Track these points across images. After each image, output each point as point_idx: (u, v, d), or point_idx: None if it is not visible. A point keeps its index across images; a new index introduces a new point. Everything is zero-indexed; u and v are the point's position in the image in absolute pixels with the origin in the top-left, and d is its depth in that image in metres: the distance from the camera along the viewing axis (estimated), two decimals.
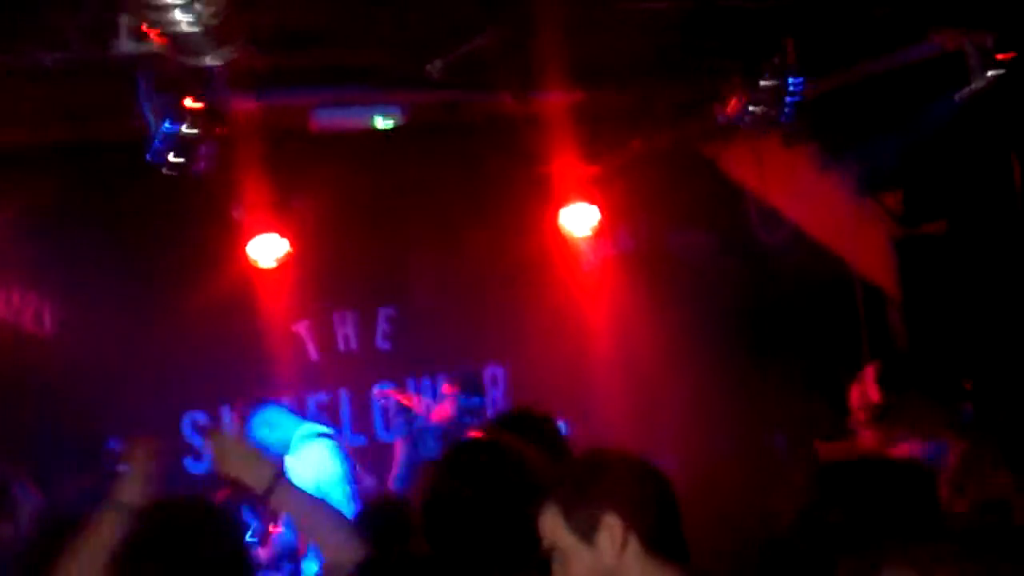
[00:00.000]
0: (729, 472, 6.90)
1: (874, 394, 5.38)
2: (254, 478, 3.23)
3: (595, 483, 2.72)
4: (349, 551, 3.19)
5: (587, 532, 2.67)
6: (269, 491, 3.21)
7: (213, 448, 3.30)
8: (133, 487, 3.42)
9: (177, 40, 3.92)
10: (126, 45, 4.40)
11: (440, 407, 6.92)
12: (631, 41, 5.26)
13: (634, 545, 2.64)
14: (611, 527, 2.64)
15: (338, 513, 3.50)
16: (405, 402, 6.94)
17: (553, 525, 2.71)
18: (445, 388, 7.05)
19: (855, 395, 5.45)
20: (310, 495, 3.37)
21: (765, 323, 8.32)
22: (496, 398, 8.40)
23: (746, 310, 8.29)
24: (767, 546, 2.96)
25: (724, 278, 8.46)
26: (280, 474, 3.24)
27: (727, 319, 8.16)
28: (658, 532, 2.67)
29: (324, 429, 6.65)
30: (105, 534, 3.34)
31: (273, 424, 6.42)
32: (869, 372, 5.47)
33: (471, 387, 7.00)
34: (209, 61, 4.02)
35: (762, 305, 8.38)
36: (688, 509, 2.78)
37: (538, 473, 3.12)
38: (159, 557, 3.17)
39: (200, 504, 3.47)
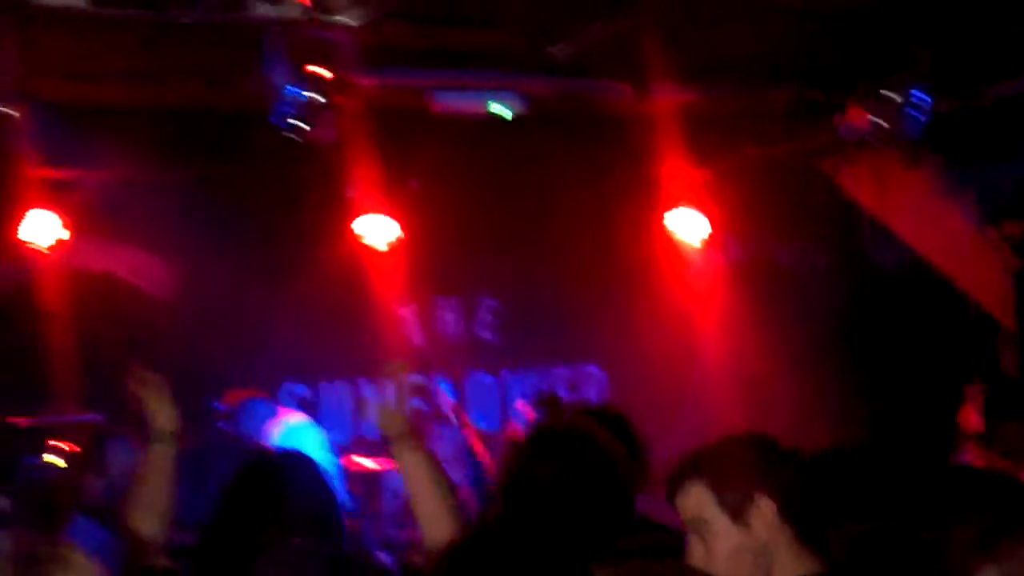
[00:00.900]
0: None
1: (976, 420, 5.30)
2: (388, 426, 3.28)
3: (750, 463, 2.72)
4: (444, 527, 3.21)
5: (739, 511, 2.66)
6: (392, 440, 3.24)
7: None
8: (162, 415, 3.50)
9: None
10: (261, 7, 4.51)
11: (513, 425, 6.96)
12: (756, 36, 5.21)
13: (783, 527, 2.64)
14: (763, 507, 2.64)
15: (447, 489, 3.48)
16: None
17: (701, 501, 2.69)
18: (520, 405, 7.05)
19: (962, 417, 5.38)
20: (433, 464, 3.36)
21: (874, 344, 8.17)
22: (591, 397, 8.39)
23: (855, 329, 8.15)
24: None
25: (834, 296, 8.33)
26: (411, 431, 3.27)
27: (835, 337, 8.03)
28: (804, 516, 2.68)
29: (307, 420, 6.71)
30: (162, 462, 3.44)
31: (258, 415, 6.48)
32: (975, 396, 5.40)
33: (548, 406, 6.96)
34: (345, 19, 4.09)
35: (872, 326, 8.24)
36: None
37: (616, 458, 3.12)
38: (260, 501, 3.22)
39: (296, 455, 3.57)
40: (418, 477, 3.28)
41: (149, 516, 3.44)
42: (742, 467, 2.70)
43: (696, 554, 2.66)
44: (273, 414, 6.61)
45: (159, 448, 3.46)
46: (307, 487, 3.31)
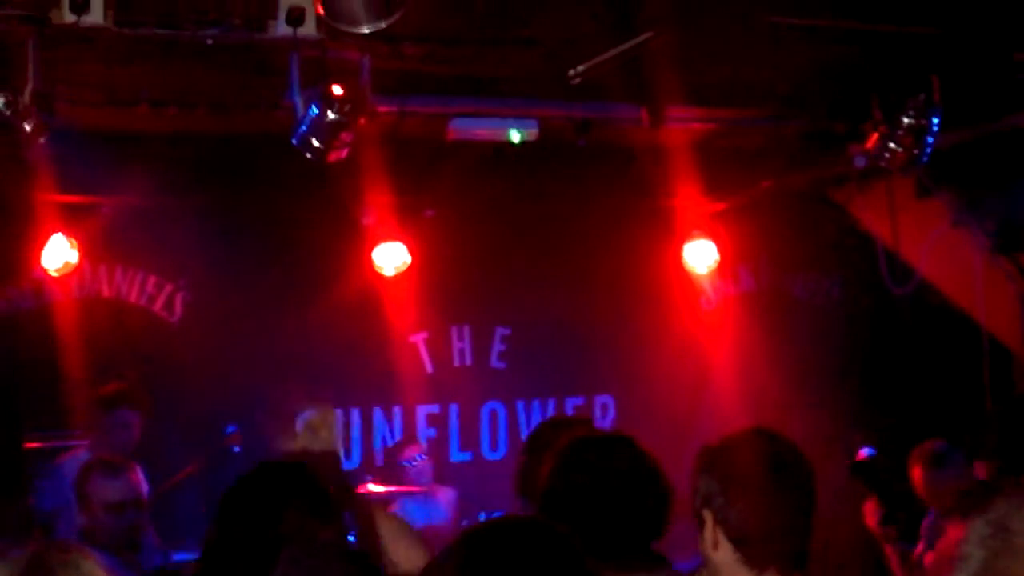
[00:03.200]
0: (837, 521, 6.74)
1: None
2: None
3: (706, 475, 2.70)
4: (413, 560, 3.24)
5: (698, 522, 2.68)
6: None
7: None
8: None
9: (335, 5, 4.04)
10: (282, 28, 4.54)
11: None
12: (771, 63, 5.24)
13: (725, 544, 2.61)
14: (707, 522, 2.64)
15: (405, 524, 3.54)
16: None
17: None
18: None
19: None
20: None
21: (887, 375, 8.15)
22: (604, 428, 8.35)
23: (868, 360, 8.13)
24: None
25: (847, 326, 8.33)
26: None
27: (847, 368, 8.02)
28: (751, 536, 2.61)
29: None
30: None
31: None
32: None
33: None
34: (364, 29, 4.12)
35: (885, 356, 8.22)
36: None
37: (655, 468, 3.12)
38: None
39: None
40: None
41: None
42: (700, 478, 2.69)
43: None
44: None
45: None
46: (319, 481, 3.32)
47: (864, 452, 6.63)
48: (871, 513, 6.11)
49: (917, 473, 5.97)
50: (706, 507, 2.64)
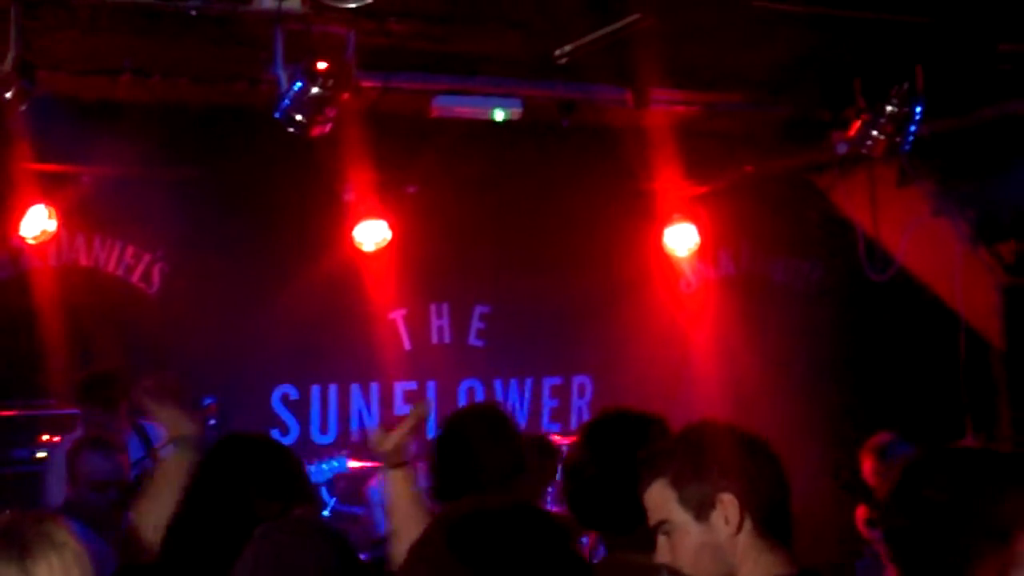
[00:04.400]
0: (812, 501, 6.78)
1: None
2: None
3: (710, 458, 2.61)
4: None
5: (701, 509, 2.58)
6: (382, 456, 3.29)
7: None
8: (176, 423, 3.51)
9: None
10: (267, 1, 4.51)
11: None
12: (754, 47, 5.23)
13: (748, 525, 2.56)
14: (726, 505, 2.56)
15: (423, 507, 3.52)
16: None
17: (663, 500, 2.62)
18: None
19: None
20: (413, 480, 3.40)
21: (863, 360, 8.19)
22: (581, 408, 8.38)
23: (845, 345, 8.17)
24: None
25: (825, 311, 8.36)
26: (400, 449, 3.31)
27: (825, 352, 8.04)
28: (770, 512, 2.58)
29: None
30: (175, 468, 3.43)
31: None
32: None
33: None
34: (350, 4, 4.09)
35: (862, 343, 8.26)
36: None
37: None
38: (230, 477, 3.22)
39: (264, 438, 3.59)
40: (398, 492, 3.34)
41: (154, 519, 3.42)
42: (703, 463, 2.60)
43: (663, 553, 2.61)
44: None
45: (175, 453, 3.45)
46: (284, 459, 3.32)
47: None
48: (860, 518, 6.21)
49: (867, 464, 6.09)
50: (725, 490, 2.56)
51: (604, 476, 3.08)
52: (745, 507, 2.55)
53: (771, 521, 2.58)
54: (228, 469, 3.18)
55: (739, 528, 2.55)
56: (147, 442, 5.70)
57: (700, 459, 2.62)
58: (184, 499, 3.21)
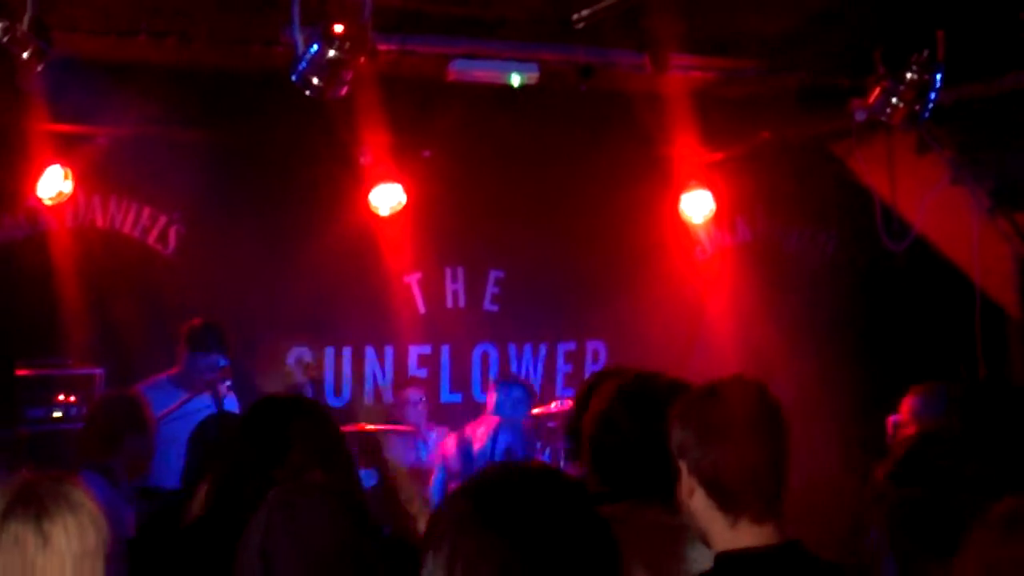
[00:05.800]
0: (827, 470, 6.79)
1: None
2: None
3: (672, 433, 2.68)
4: None
5: (673, 470, 2.69)
6: None
7: None
8: None
9: None
10: None
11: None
12: (772, 12, 5.19)
13: (700, 493, 2.61)
14: (681, 469, 2.64)
15: None
16: None
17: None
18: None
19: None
20: None
21: (879, 329, 8.16)
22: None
23: (861, 314, 8.15)
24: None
25: (842, 280, 8.33)
26: None
27: (840, 320, 8.02)
28: (727, 484, 2.59)
29: None
30: None
31: None
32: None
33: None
34: None
35: (878, 311, 8.23)
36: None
37: None
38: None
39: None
40: None
41: None
42: (670, 436, 2.67)
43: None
44: None
45: None
46: (314, 424, 3.32)
47: None
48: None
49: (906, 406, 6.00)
50: (682, 457, 2.64)
51: (642, 437, 3.05)
52: (692, 474, 2.61)
53: (726, 491, 2.58)
54: (269, 432, 3.20)
55: (691, 494, 2.62)
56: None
57: (679, 423, 2.67)
58: (224, 463, 3.24)
